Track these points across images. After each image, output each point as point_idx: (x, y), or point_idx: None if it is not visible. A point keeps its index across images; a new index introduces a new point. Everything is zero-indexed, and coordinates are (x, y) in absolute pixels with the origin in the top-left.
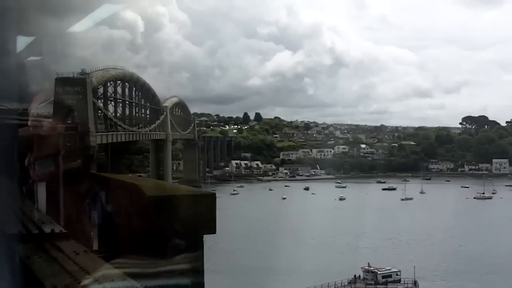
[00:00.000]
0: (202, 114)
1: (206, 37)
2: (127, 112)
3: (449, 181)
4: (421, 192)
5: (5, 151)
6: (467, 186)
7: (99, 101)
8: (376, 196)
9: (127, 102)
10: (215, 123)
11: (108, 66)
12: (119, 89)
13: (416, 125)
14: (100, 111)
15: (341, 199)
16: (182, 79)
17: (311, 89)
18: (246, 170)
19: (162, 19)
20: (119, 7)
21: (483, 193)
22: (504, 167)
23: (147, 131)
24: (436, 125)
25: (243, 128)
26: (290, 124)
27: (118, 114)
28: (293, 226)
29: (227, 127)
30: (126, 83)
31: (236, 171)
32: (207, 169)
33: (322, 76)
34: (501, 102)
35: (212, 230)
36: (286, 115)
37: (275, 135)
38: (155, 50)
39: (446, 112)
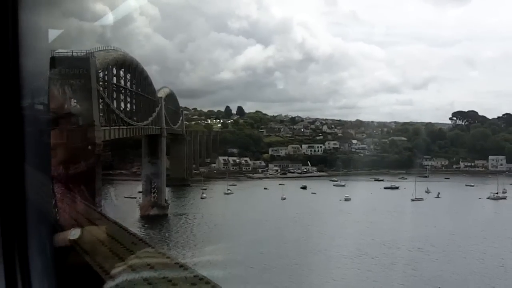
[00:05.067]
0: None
1: (177, 31)
2: (127, 102)
3: (448, 178)
4: (427, 192)
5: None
6: (472, 184)
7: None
8: (381, 196)
9: (128, 91)
10: (196, 117)
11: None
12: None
13: (385, 120)
14: (102, 101)
15: (347, 199)
16: (152, 72)
17: (281, 84)
18: (235, 167)
19: (132, 12)
20: None
21: (497, 193)
22: (501, 164)
23: (143, 125)
24: (405, 120)
25: (228, 122)
26: (274, 118)
27: (121, 105)
28: (309, 234)
29: (209, 121)
30: (124, 69)
31: (224, 167)
32: (194, 166)
33: (292, 71)
34: (467, 98)
35: None
36: (257, 109)
37: (260, 130)
38: (125, 43)
39: (413, 107)
